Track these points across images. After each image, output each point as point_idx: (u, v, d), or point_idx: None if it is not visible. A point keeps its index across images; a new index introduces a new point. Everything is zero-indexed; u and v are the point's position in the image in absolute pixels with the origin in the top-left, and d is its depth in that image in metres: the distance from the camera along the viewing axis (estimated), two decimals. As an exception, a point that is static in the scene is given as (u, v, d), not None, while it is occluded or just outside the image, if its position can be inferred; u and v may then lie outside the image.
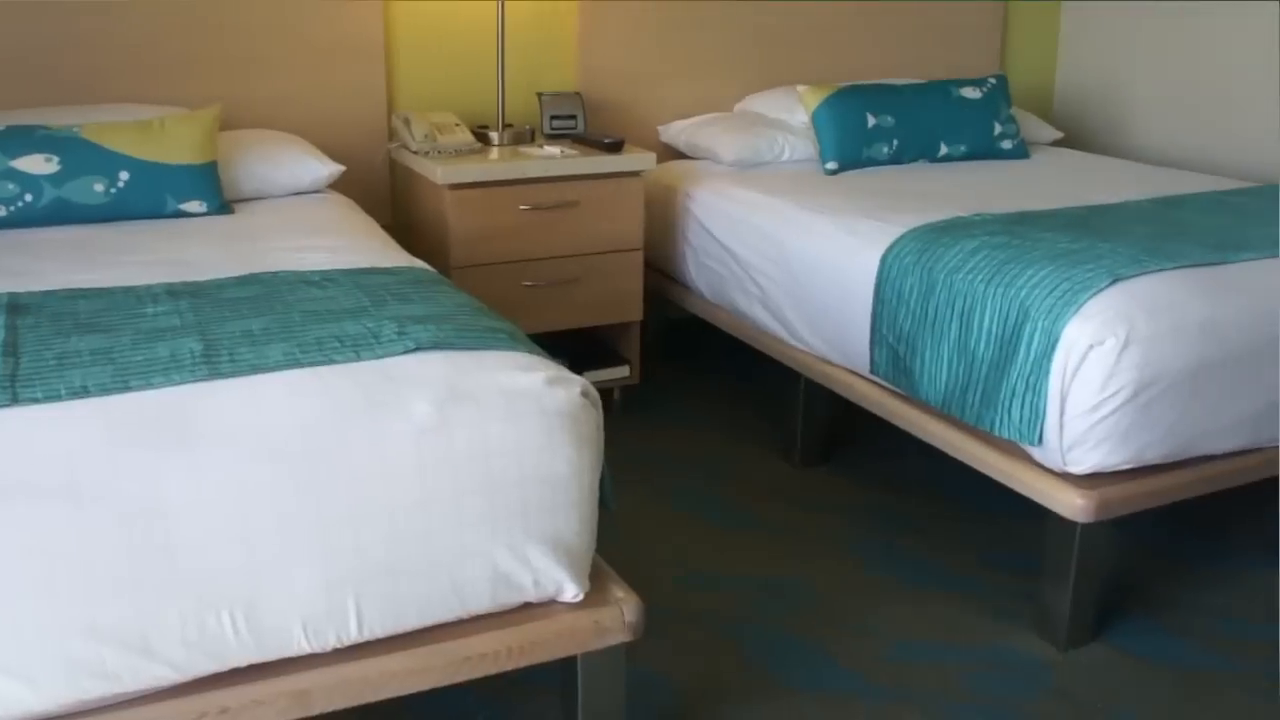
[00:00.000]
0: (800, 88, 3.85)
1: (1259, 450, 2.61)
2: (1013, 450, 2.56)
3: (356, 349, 1.88)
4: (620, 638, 1.92)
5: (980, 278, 2.60)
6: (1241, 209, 3.12)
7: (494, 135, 3.57)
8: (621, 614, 1.91)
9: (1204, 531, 3.02)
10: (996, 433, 2.54)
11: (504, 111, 3.63)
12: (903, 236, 2.85)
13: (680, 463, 3.36)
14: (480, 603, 1.82)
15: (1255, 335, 2.49)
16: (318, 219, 2.93)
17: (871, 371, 2.90)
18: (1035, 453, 2.49)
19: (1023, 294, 2.49)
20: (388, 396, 1.75)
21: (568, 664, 1.95)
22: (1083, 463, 2.41)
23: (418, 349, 1.88)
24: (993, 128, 3.90)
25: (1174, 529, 3.00)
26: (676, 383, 3.94)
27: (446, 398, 1.76)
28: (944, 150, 3.82)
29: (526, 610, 1.87)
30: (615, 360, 3.58)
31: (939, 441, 2.74)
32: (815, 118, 3.73)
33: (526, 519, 1.79)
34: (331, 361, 1.83)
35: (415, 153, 3.41)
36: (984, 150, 3.89)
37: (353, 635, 1.74)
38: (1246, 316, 2.48)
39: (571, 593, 1.88)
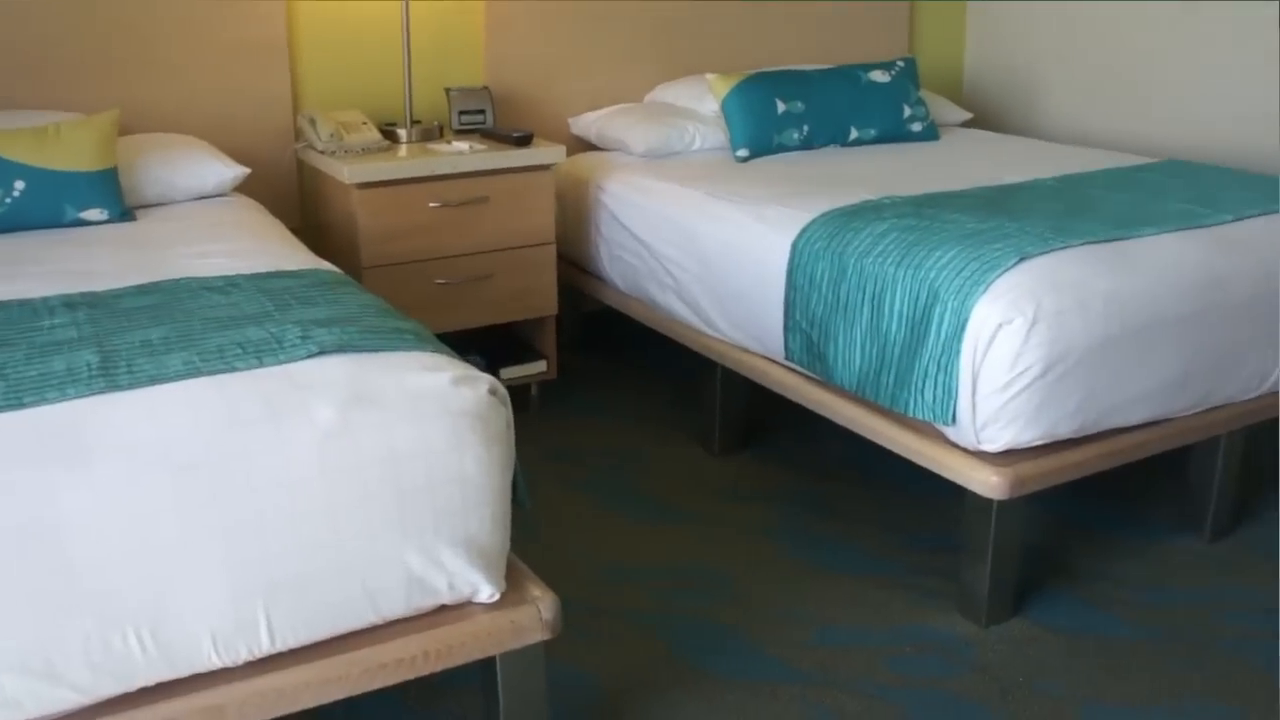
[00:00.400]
0: (709, 76, 3.85)
1: (1168, 421, 2.66)
2: (928, 430, 2.57)
3: (259, 355, 1.84)
4: (538, 636, 1.91)
5: (890, 261, 2.61)
6: (1146, 184, 3.17)
7: (402, 132, 3.53)
8: (539, 612, 1.89)
9: (1118, 502, 3.06)
10: (910, 414, 2.55)
11: (411, 108, 3.59)
12: (813, 222, 2.86)
13: (598, 455, 3.35)
14: (394, 608, 1.79)
15: (1159, 309, 2.52)
16: (222, 223, 2.87)
17: (786, 358, 2.90)
18: (949, 432, 2.51)
19: (932, 275, 2.50)
20: (290, 402, 1.72)
21: (487, 665, 1.93)
22: (996, 440, 2.43)
23: (321, 353, 1.85)
24: (902, 110, 3.92)
25: (1089, 502, 3.03)
26: (593, 376, 3.93)
27: (350, 401, 1.73)
28: (854, 134, 3.84)
29: (442, 613, 1.85)
30: (531, 355, 3.56)
31: (855, 425, 2.75)
32: (725, 105, 3.73)
33: (437, 521, 1.76)
34: (233, 369, 1.80)
35: (322, 152, 3.36)
36: (894, 133, 3.91)
37: (265, 647, 1.71)
38: (1151, 290, 2.52)
39: (487, 593, 1.86)
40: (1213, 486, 2.85)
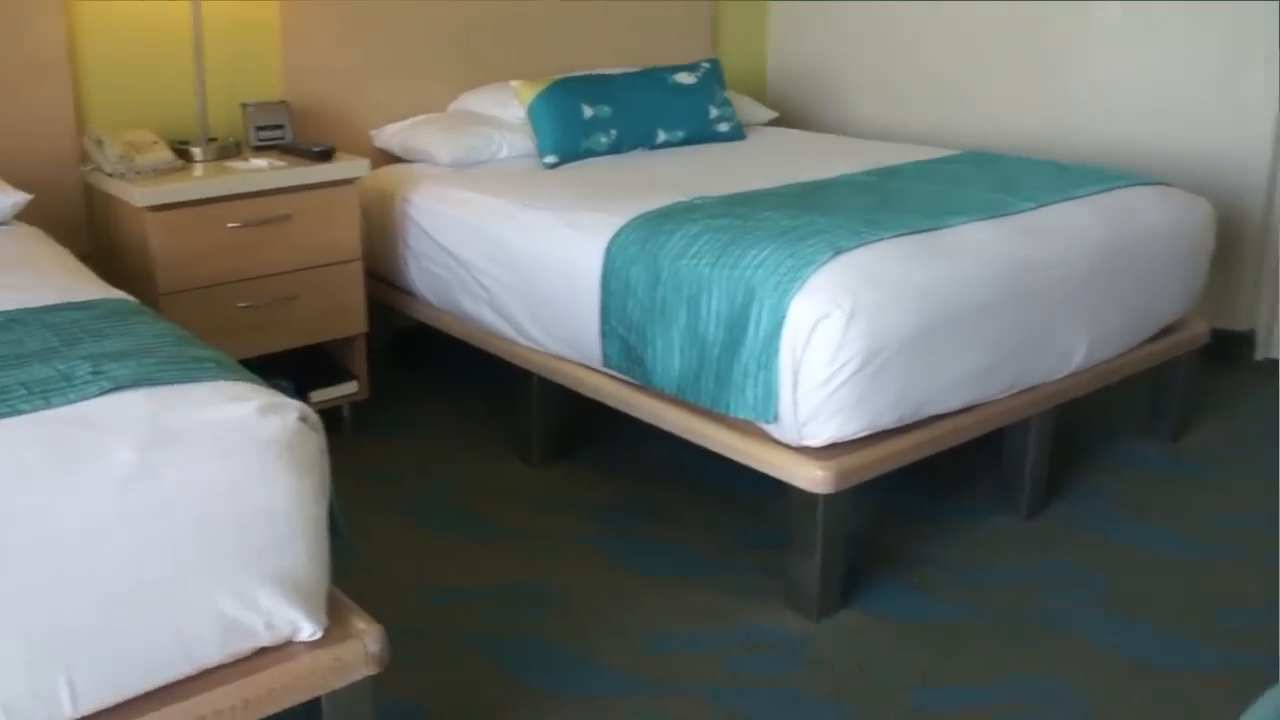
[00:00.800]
0: (514, 83, 3.80)
1: (983, 405, 2.71)
2: (751, 429, 2.57)
3: (46, 395, 1.71)
4: (365, 671, 1.83)
5: (705, 261, 2.60)
6: (951, 175, 3.24)
7: (196, 151, 3.38)
8: (364, 646, 1.81)
9: (937, 488, 3.12)
10: (732, 414, 2.54)
11: (206, 125, 3.44)
12: (626, 226, 2.83)
13: (417, 475, 3.26)
14: (209, 655, 1.69)
15: (972, 296, 2.57)
16: (2, 254, 2.69)
17: (604, 364, 2.87)
18: (772, 430, 2.51)
19: (748, 274, 2.50)
20: (84, 445, 1.60)
21: (313, 706, 1.84)
22: (819, 435, 2.44)
23: (115, 389, 1.73)
24: (708, 111, 3.93)
25: (909, 489, 3.08)
26: (407, 393, 3.82)
27: (150, 440, 1.63)
28: (662, 137, 3.83)
29: (262, 656, 1.75)
30: (342, 376, 3.45)
31: (677, 428, 2.73)
32: (531, 112, 3.68)
33: (250, 559, 1.67)
34: (17, 412, 1.67)
35: (110, 175, 3.19)
36: (701, 134, 3.92)
37: (66, 712, 1.58)
38: (962, 279, 2.57)
39: (308, 631, 1.77)
40: (1026, 466, 2.93)
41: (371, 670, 1.83)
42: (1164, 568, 2.77)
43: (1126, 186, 3.12)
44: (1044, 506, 3.02)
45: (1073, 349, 2.84)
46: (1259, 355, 4.14)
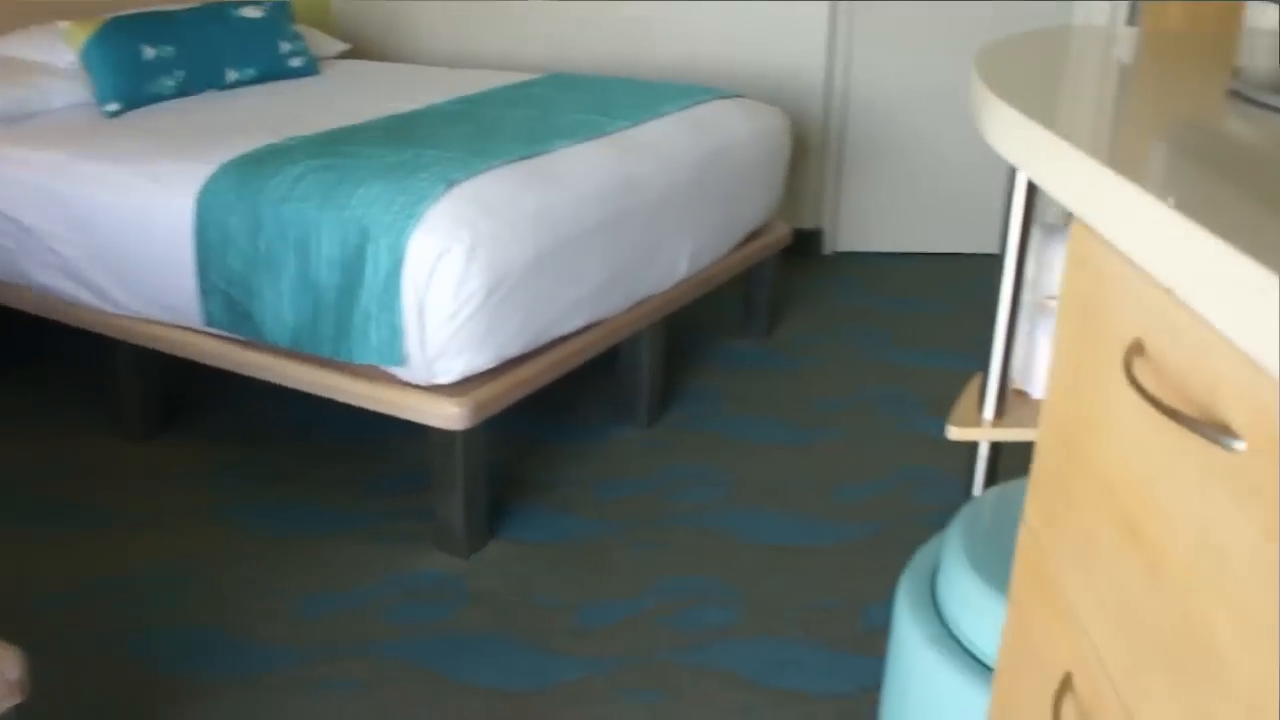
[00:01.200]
0: (61, 24, 3.45)
1: (601, 323, 2.76)
2: (376, 374, 2.50)
3: None
4: (8, 703, 1.63)
5: (311, 204, 2.47)
6: (540, 100, 3.25)
7: None
8: (1, 675, 1.62)
9: (559, 410, 3.16)
10: (356, 360, 2.46)
11: None
12: (216, 173, 2.65)
13: (3, 471, 2.94)
14: None
15: (584, 217, 2.60)
16: None
17: (206, 323, 2.69)
18: (400, 372, 2.45)
19: (359, 213, 2.41)
20: None
21: (-54, 744, 1.64)
22: (450, 371, 2.41)
23: None
24: (279, 47, 3.74)
25: (535, 414, 3.11)
26: (-20, 377, 3.45)
27: None
28: (233, 76, 3.61)
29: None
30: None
31: (296, 382, 2.61)
32: (84, 56, 3.35)
33: None
34: None
35: None
36: (274, 71, 3.73)
37: None
38: (574, 201, 2.58)
39: (-68, 663, 1.57)
40: (641, 377, 3.02)
41: (15, 700, 1.64)
42: (779, 456, 2.94)
43: (709, 101, 3.24)
44: (662, 414, 3.13)
45: (677, 259, 2.94)
46: (827, 250, 4.45)
